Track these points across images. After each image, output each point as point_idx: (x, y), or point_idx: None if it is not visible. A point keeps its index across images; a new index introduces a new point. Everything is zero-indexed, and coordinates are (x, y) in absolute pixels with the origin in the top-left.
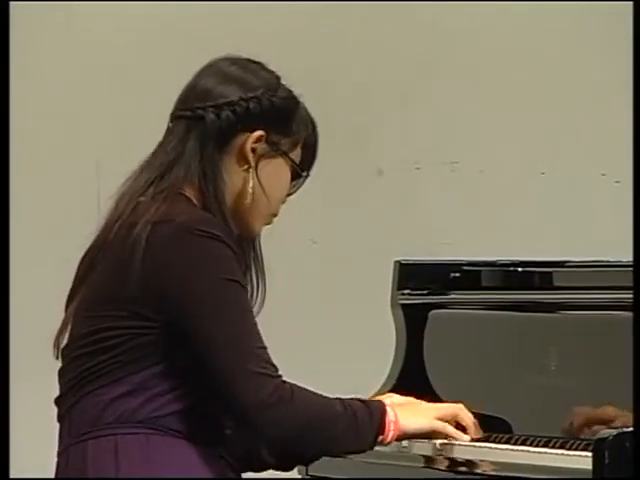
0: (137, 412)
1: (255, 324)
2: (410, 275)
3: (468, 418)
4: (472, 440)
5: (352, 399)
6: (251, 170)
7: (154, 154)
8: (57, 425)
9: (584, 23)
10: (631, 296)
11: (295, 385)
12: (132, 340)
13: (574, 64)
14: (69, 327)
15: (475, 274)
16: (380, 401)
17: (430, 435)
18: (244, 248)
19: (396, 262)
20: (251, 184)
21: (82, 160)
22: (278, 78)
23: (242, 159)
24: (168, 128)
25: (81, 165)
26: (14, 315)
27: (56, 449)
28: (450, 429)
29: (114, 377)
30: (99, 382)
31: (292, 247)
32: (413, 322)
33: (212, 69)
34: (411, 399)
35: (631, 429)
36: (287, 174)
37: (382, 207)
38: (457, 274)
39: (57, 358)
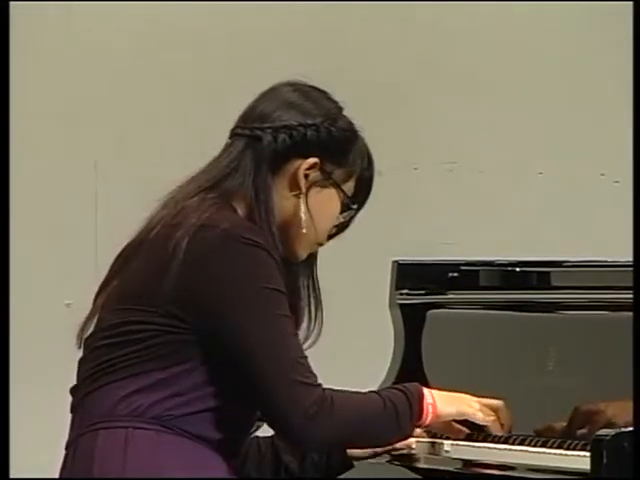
0: (152, 408)
1: (296, 333)
2: (408, 275)
3: (508, 418)
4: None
5: (391, 389)
6: (302, 196)
7: (208, 167)
8: (57, 425)
9: (583, 23)
10: (629, 296)
11: (334, 392)
12: (159, 337)
13: (573, 64)
14: (95, 318)
15: (473, 274)
16: (418, 386)
17: (460, 421)
18: (298, 273)
19: (394, 262)
20: (302, 209)
21: (80, 160)
22: (340, 109)
23: (294, 184)
24: (226, 144)
25: (79, 165)
26: (13, 315)
27: (56, 449)
28: (479, 415)
29: (134, 371)
30: (119, 374)
31: None
32: (411, 322)
33: (274, 93)
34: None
35: (629, 429)
36: (337, 204)
37: (380, 207)
38: (455, 274)
39: (79, 347)
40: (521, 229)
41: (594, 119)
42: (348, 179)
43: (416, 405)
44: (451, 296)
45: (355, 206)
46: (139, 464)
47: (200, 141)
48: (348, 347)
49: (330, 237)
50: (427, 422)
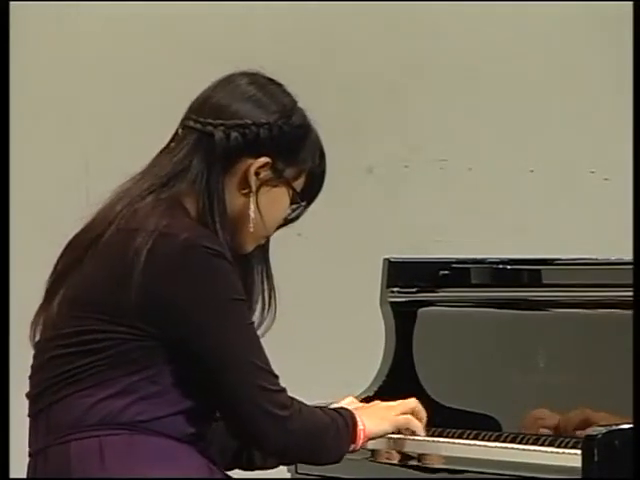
0: (121, 414)
1: (259, 339)
2: (399, 273)
3: (423, 412)
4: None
5: (328, 409)
6: (252, 194)
7: (158, 161)
8: None
9: (573, 21)
10: (621, 293)
11: (295, 399)
12: (123, 344)
13: (562, 62)
14: (49, 319)
15: (464, 272)
16: (350, 411)
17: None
18: (252, 260)
19: (385, 260)
20: (252, 209)
21: (71, 159)
22: (295, 103)
23: (244, 183)
24: (177, 135)
25: (70, 164)
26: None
27: None
28: (414, 422)
29: (100, 379)
30: (83, 384)
31: (280, 243)
32: (402, 320)
33: (230, 85)
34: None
35: (621, 427)
36: (286, 201)
37: (371, 205)
38: (446, 272)
39: (32, 341)
40: (512, 227)
41: (584, 116)
42: (299, 176)
43: (352, 427)
44: (442, 294)
45: (304, 203)
46: (118, 468)
47: None
48: (338, 345)
49: (277, 228)
50: (359, 447)
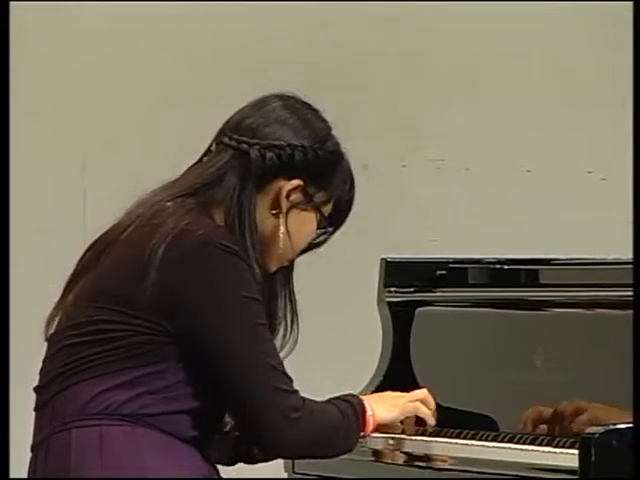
0: (124, 406)
1: (271, 339)
2: (396, 272)
3: (432, 402)
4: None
5: (339, 400)
6: (281, 216)
7: (188, 173)
8: None
9: (570, 21)
10: (618, 293)
11: (307, 399)
12: (133, 337)
13: (560, 62)
14: (64, 312)
15: (461, 271)
16: (359, 398)
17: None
18: (276, 283)
19: (382, 259)
20: (282, 230)
21: (68, 160)
22: (329, 129)
23: (275, 203)
24: (210, 151)
25: (67, 165)
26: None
27: None
28: (423, 409)
29: (107, 369)
30: (91, 372)
31: None
32: (399, 319)
33: (265, 107)
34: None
35: (618, 426)
36: (314, 225)
37: (368, 205)
38: (443, 271)
39: (45, 340)
40: (509, 227)
41: (581, 117)
42: (328, 202)
43: (361, 415)
44: (439, 294)
45: (331, 228)
46: (116, 459)
47: (188, 141)
48: (336, 345)
49: (301, 252)
50: (368, 433)
